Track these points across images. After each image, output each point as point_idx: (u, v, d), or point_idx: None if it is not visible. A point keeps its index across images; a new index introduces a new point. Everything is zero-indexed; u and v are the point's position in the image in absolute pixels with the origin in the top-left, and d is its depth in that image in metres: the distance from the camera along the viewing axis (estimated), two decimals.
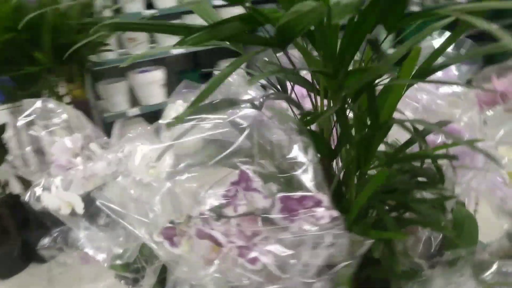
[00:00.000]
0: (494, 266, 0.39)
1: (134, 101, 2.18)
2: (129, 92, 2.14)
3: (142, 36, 2.05)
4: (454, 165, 0.47)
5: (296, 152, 0.34)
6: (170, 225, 0.36)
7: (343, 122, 0.41)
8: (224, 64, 2.20)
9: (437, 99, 0.53)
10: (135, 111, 2.13)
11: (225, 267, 0.34)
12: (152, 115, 2.11)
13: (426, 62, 0.37)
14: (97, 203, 0.43)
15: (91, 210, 0.57)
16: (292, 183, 0.34)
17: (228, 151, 0.35)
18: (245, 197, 0.35)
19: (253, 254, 0.32)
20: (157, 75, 2.13)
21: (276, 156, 0.35)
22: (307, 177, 0.33)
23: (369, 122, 0.42)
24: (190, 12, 2.08)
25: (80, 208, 0.57)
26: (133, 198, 0.54)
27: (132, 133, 0.59)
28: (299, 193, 0.33)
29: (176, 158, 0.55)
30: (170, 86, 2.21)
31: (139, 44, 2.04)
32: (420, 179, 0.49)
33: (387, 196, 0.44)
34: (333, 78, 0.35)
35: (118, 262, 0.60)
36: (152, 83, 2.13)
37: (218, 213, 0.34)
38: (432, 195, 0.47)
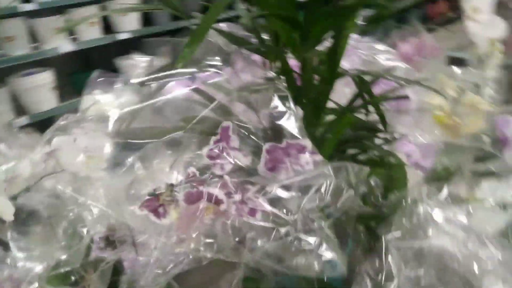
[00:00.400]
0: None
1: (20, 109, 1.93)
2: (13, 100, 1.89)
3: (21, 35, 1.82)
4: (392, 110, 0.51)
5: (277, 102, 0.33)
6: (149, 197, 0.33)
7: (303, 76, 0.42)
8: (121, 62, 2.07)
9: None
10: (23, 120, 1.89)
11: (215, 230, 0.32)
12: (45, 123, 1.89)
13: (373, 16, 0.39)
14: (58, 186, 0.37)
15: (21, 217, 0.49)
16: (277, 134, 0.34)
17: (206, 110, 0.33)
18: (229, 155, 0.33)
19: (251, 206, 0.31)
20: (45, 78, 1.91)
21: (257, 109, 0.34)
22: (291, 124, 0.33)
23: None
24: (74, 5, 1.90)
25: (9, 214, 0.49)
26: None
27: (62, 121, 0.52)
28: (285, 142, 0.33)
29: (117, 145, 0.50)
30: (62, 90, 2.01)
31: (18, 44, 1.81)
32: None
33: (345, 146, 0.47)
34: (299, 26, 0.35)
35: (61, 270, 0.53)
36: (40, 87, 1.90)
37: (206, 173, 0.32)
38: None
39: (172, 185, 0.33)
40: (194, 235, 0.32)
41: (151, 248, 0.38)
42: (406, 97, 0.43)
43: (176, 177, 0.33)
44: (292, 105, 0.34)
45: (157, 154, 0.39)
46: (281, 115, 0.34)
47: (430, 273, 0.34)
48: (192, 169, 0.32)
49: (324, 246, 0.29)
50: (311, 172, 0.32)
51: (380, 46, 0.57)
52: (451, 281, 0.35)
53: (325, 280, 0.42)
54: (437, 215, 0.39)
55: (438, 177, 0.59)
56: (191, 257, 0.34)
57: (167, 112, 0.45)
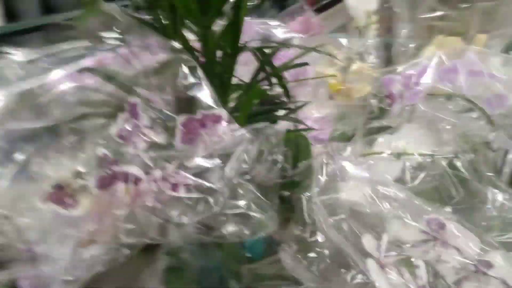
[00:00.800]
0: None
1: None
2: None
3: None
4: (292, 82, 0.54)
5: (186, 72, 0.32)
6: (54, 189, 0.29)
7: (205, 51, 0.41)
8: None
9: None
10: None
11: (135, 213, 0.30)
12: None
13: None
14: None
15: None
16: (189, 106, 0.33)
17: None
18: (141, 132, 0.31)
19: (173, 181, 0.29)
20: None
21: (165, 83, 0.33)
22: (204, 94, 0.32)
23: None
24: None
25: None
26: None
27: None
28: (200, 113, 0.32)
29: None
30: None
31: None
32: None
33: (254, 120, 0.47)
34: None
35: None
36: None
37: (118, 154, 0.30)
38: None
39: (80, 172, 0.29)
40: (112, 223, 0.30)
41: (54, 258, 0.34)
42: (306, 64, 0.45)
43: (83, 163, 0.30)
44: (202, 74, 0.33)
45: (54, 146, 0.35)
46: (192, 86, 0.32)
47: (348, 221, 0.36)
48: (102, 151, 0.29)
49: (253, 207, 0.29)
50: (230, 139, 0.31)
51: (273, 22, 0.59)
52: (365, 225, 0.38)
53: (248, 255, 0.42)
54: (345, 169, 0.42)
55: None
56: (105, 257, 0.32)
57: (54, 110, 0.41)
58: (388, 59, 0.61)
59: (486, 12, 0.53)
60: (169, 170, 0.30)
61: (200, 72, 0.33)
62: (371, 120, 0.54)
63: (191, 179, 0.30)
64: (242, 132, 0.33)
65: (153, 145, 0.32)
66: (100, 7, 0.24)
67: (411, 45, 0.54)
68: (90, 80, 0.38)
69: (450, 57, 0.44)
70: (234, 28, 0.40)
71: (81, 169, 0.30)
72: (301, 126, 0.56)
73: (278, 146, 0.32)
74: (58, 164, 0.30)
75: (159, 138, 0.32)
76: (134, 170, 0.28)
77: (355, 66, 0.62)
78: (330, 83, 0.60)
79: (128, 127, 0.30)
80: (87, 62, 0.35)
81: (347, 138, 0.62)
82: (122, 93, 0.33)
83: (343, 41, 0.66)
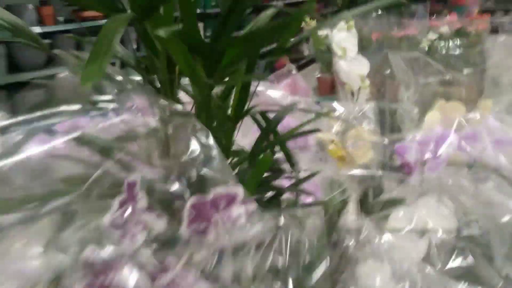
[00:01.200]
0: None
1: None
2: None
3: None
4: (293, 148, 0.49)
5: (194, 139, 0.26)
6: None
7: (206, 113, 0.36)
8: None
9: None
10: None
11: None
12: None
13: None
14: None
15: None
16: (201, 184, 0.26)
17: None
18: (140, 220, 0.24)
19: (184, 286, 0.22)
20: None
21: (172, 154, 0.27)
22: (215, 168, 0.26)
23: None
24: None
25: None
26: None
27: None
28: (211, 193, 0.26)
29: None
30: None
31: None
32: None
33: (259, 190, 0.41)
34: (205, 53, 0.29)
35: None
36: None
37: (112, 251, 0.22)
38: None
39: (58, 279, 0.22)
40: None
41: None
42: (317, 130, 0.40)
43: (63, 263, 0.22)
44: (213, 143, 0.27)
45: (18, 235, 0.27)
46: (203, 157, 0.27)
47: None
48: (91, 248, 0.22)
49: None
50: (254, 226, 0.25)
51: (264, 85, 0.56)
52: None
53: None
54: (366, 249, 0.37)
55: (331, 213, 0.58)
56: None
57: (17, 179, 0.33)
58: (382, 124, 0.59)
59: (492, 78, 0.52)
60: (177, 270, 0.23)
61: (211, 139, 0.27)
62: (378, 191, 0.49)
63: (204, 282, 0.23)
64: (264, 217, 0.26)
65: (152, 237, 0.25)
66: (104, 69, 0.18)
67: (415, 111, 0.52)
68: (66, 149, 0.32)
69: (469, 124, 0.41)
70: (244, 90, 0.36)
71: (58, 272, 0.22)
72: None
73: (318, 234, 0.26)
74: (20, 266, 0.23)
75: (160, 224, 0.25)
76: (134, 277, 0.21)
77: (353, 131, 0.58)
78: (330, 150, 0.56)
79: (125, 214, 0.24)
80: (62, 127, 0.28)
81: (341, 208, 0.57)
82: (116, 167, 0.27)
83: (337, 106, 0.63)
